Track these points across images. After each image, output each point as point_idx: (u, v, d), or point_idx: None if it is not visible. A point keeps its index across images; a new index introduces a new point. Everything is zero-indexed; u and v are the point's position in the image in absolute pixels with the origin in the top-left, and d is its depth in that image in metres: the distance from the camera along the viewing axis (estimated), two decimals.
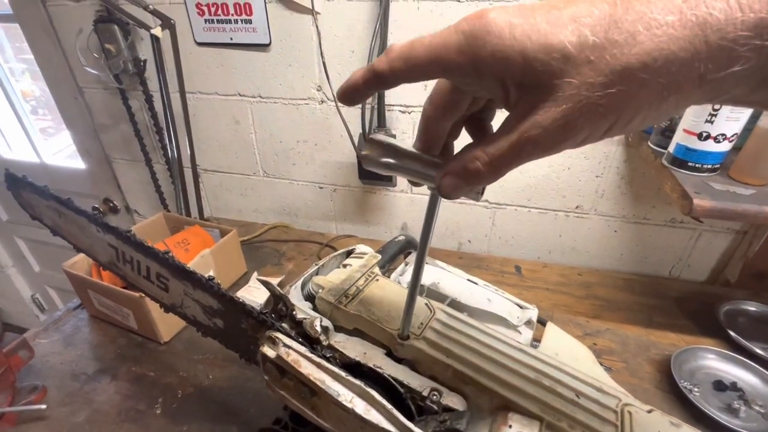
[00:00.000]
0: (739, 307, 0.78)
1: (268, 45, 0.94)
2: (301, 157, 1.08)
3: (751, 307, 0.78)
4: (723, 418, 0.57)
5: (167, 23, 0.86)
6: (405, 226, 1.09)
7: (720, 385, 0.63)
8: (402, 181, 1.02)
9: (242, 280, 0.91)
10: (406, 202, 1.05)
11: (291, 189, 1.14)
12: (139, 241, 0.51)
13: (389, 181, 0.96)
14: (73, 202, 0.59)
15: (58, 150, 1.62)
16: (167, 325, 0.73)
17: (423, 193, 1.02)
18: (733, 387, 0.62)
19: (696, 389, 0.62)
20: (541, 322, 0.43)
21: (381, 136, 0.28)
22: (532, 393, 0.32)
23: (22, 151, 1.60)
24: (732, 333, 0.70)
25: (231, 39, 0.95)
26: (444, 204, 1.01)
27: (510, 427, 0.30)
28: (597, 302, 0.86)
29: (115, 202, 1.41)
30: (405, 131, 0.95)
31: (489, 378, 0.33)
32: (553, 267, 0.98)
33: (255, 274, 0.90)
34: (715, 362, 0.66)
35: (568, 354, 0.37)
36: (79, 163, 1.39)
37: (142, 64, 1.02)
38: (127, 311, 0.72)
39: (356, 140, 0.93)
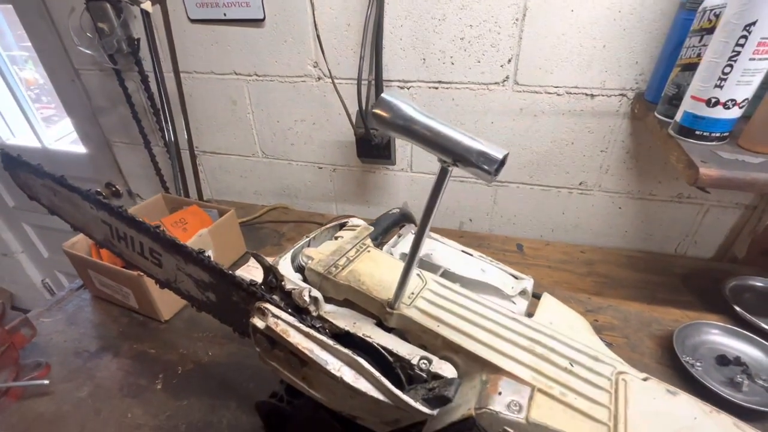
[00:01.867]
0: (746, 283, 0.77)
1: (263, 20, 0.91)
2: (299, 137, 1.06)
3: (759, 282, 0.76)
4: (725, 392, 0.56)
5: None
6: (406, 204, 1.08)
7: (723, 360, 0.62)
8: (402, 160, 1.00)
9: (242, 261, 0.91)
10: (406, 181, 1.04)
11: (290, 170, 1.13)
12: (130, 216, 0.50)
13: (389, 159, 0.95)
14: (66, 179, 0.59)
15: (60, 136, 1.62)
16: (167, 304, 0.74)
17: (424, 172, 1.01)
18: (737, 361, 0.61)
19: (698, 364, 0.61)
20: (536, 297, 0.42)
21: (396, 96, 0.26)
22: (523, 360, 0.31)
23: (25, 138, 1.60)
24: (738, 308, 0.69)
25: (225, 15, 0.93)
26: None
27: (500, 393, 0.29)
28: (599, 279, 0.84)
29: (117, 187, 1.41)
30: None
31: (480, 345, 0.32)
32: (555, 245, 0.96)
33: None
34: (718, 337, 0.65)
35: (563, 324, 0.36)
36: (80, 149, 1.39)
37: (135, 43, 1.00)
38: (127, 290, 0.73)
39: (354, 118, 0.91)
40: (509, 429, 0.28)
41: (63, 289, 0.84)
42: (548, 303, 0.38)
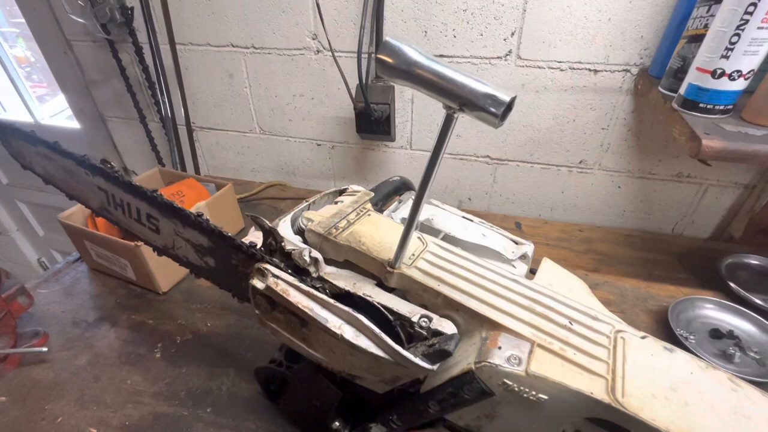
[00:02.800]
0: (741, 261, 0.77)
1: None
2: (297, 113, 1.05)
3: (754, 260, 0.77)
4: (717, 363, 0.57)
5: None
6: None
7: (716, 333, 0.63)
8: (401, 137, 0.99)
9: (240, 235, 0.91)
10: (405, 158, 1.03)
11: (288, 146, 1.12)
12: (126, 181, 0.49)
13: (388, 134, 0.94)
14: (61, 145, 0.58)
15: (54, 113, 1.59)
16: (165, 276, 0.74)
17: (423, 150, 1.00)
18: (730, 335, 0.62)
19: (692, 337, 0.62)
20: (532, 272, 0.42)
21: (400, 40, 0.25)
22: (523, 318, 0.31)
23: (17, 114, 1.57)
24: (732, 284, 0.70)
25: None
26: (444, 161, 0.98)
27: (500, 348, 0.29)
28: (597, 257, 0.85)
29: (112, 163, 1.39)
30: None
31: (480, 303, 0.32)
32: (553, 224, 0.96)
33: (252, 229, 0.90)
34: (712, 312, 0.66)
35: (562, 285, 0.36)
36: (74, 125, 1.37)
37: (129, 12, 0.97)
38: (124, 261, 0.72)
39: (354, 92, 0.89)
40: (509, 382, 0.28)
41: (59, 263, 0.84)
42: (548, 267, 0.38)
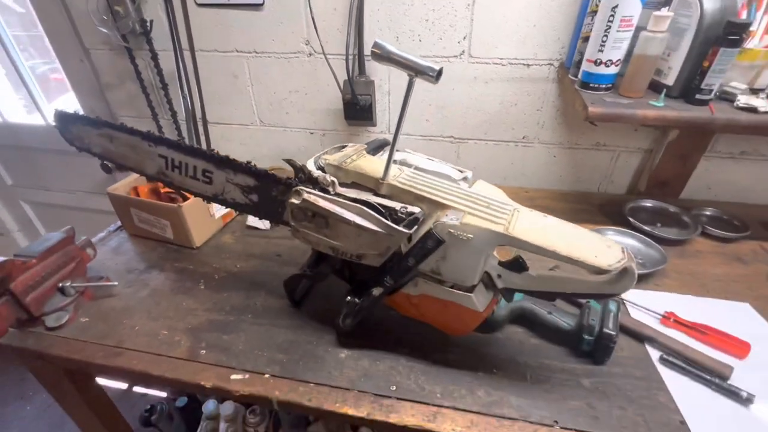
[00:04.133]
0: (640, 205, 1.03)
1: (262, 5, 1.09)
2: (293, 106, 1.25)
3: (649, 203, 1.03)
4: None
5: None
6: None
7: None
8: (381, 123, 1.21)
9: None
10: None
11: (285, 136, 1.31)
12: (189, 146, 0.69)
13: (371, 120, 1.15)
14: (126, 125, 0.76)
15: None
16: (199, 233, 0.92)
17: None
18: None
19: None
20: None
21: (385, 42, 0.47)
22: (460, 202, 0.53)
23: (26, 117, 1.70)
24: (630, 218, 0.94)
25: (228, 0, 1.10)
26: (416, 142, 1.20)
27: (447, 215, 0.50)
28: (537, 208, 1.08)
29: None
30: (382, 78, 1.13)
31: (436, 196, 0.53)
32: (506, 188, 1.18)
33: None
34: (615, 236, 0.90)
35: (488, 192, 0.58)
36: None
37: (148, 24, 1.15)
38: (165, 222, 0.91)
39: (342, 86, 1.11)
40: (452, 231, 0.49)
41: (102, 231, 1.01)
42: (481, 183, 0.61)
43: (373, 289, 0.60)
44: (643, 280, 0.81)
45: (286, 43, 1.14)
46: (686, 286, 0.80)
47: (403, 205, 0.54)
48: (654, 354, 0.65)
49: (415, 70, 0.46)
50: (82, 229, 0.86)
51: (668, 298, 0.76)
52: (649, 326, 0.68)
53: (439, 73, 0.46)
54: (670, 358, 0.63)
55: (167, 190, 0.97)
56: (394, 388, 0.60)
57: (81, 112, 0.81)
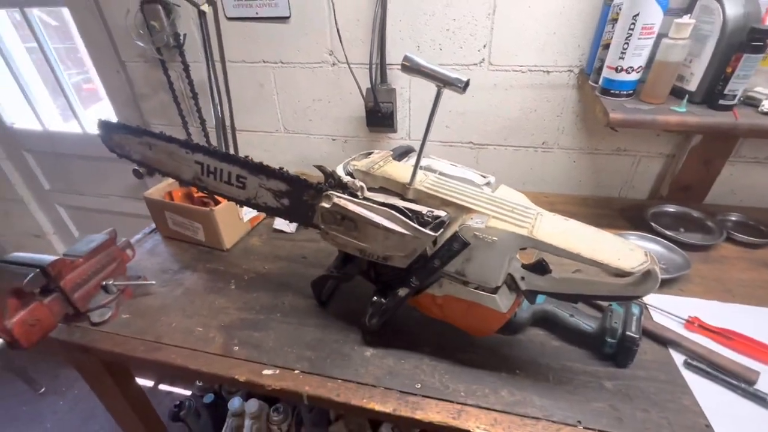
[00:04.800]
0: (662, 210, 1.02)
1: (288, 18, 1.14)
2: (316, 114, 1.29)
3: (671, 208, 1.02)
4: None
5: (211, 0, 1.06)
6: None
7: None
8: (402, 130, 1.23)
9: None
10: None
11: (308, 142, 1.36)
12: (224, 153, 0.73)
13: (392, 127, 1.18)
14: (165, 134, 0.81)
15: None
16: (229, 235, 0.96)
17: (418, 139, 1.24)
18: None
19: None
20: None
21: (414, 54, 0.50)
22: (485, 206, 0.55)
23: (65, 125, 1.80)
24: (652, 223, 0.94)
25: (256, 13, 1.15)
26: (436, 148, 1.23)
27: (472, 218, 0.53)
28: (557, 213, 1.09)
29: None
30: (403, 86, 1.16)
31: (462, 200, 0.55)
32: (526, 194, 1.20)
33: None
34: (636, 240, 0.90)
35: (512, 197, 0.60)
36: None
37: (181, 38, 1.22)
38: (197, 225, 0.95)
39: (364, 94, 1.14)
40: (477, 234, 0.51)
41: (139, 233, 1.06)
42: (504, 188, 0.62)
43: (398, 289, 0.62)
44: (666, 285, 0.81)
45: (310, 54, 1.18)
46: (711, 292, 0.80)
47: (429, 209, 0.56)
48: (678, 358, 0.66)
49: (443, 82, 0.49)
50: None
51: (692, 303, 0.76)
52: (673, 330, 0.69)
53: (467, 84, 0.48)
54: (695, 363, 0.63)
55: (200, 194, 1.02)
56: (419, 386, 0.62)
57: (119, 121, 0.86)
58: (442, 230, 0.55)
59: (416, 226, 0.55)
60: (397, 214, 0.56)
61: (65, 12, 1.41)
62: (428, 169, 0.66)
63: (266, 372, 0.65)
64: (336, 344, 0.70)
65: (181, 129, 1.42)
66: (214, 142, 1.39)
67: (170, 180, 1.01)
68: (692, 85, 0.80)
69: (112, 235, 0.83)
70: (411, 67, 0.50)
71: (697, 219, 0.99)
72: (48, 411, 1.80)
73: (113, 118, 1.51)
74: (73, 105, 1.66)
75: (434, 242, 0.57)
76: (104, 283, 0.79)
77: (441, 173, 0.64)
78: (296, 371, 0.65)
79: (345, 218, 0.60)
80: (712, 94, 0.78)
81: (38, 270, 0.67)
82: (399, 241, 0.57)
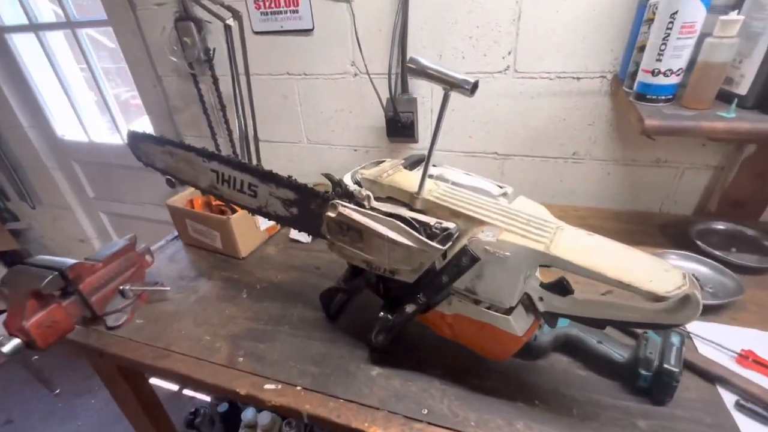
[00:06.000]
0: (710, 227, 0.92)
1: (312, 30, 1.15)
2: (338, 124, 1.29)
3: (721, 225, 0.92)
4: None
5: (237, 15, 1.09)
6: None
7: None
8: (424, 139, 1.21)
9: None
10: None
11: (330, 152, 1.36)
12: (238, 161, 0.73)
13: (412, 137, 1.16)
14: (183, 142, 0.82)
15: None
16: (245, 244, 0.97)
17: (440, 150, 1.21)
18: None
19: None
20: None
21: (420, 57, 0.47)
22: (497, 218, 0.50)
23: (106, 136, 1.92)
24: (698, 241, 0.85)
25: (281, 27, 1.18)
26: (459, 159, 1.19)
27: (483, 231, 0.48)
28: (588, 228, 1.01)
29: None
30: (425, 96, 1.14)
31: (472, 211, 0.51)
32: (554, 207, 1.13)
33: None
34: (677, 261, 0.81)
35: (530, 208, 0.55)
36: None
37: (211, 52, 1.26)
38: (215, 233, 0.96)
39: (384, 104, 1.13)
40: (488, 248, 0.47)
41: (161, 240, 1.09)
42: (522, 199, 0.58)
43: (406, 305, 0.58)
44: (714, 312, 0.72)
45: (333, 65, 1.19)
46: None
47: (437, 220, 0.53)
48: (728, 398, 0.57)
49: (449, 84, 0.46)
50: (146, 238, 0.94)
51: (746, 334, 0.67)
52: (722, 365, 0.60)
53: (475, 86, 0.45)
54: (748, 404, 0.55)
55: (218, 203, 1.04)
56: (426, 411, 0.57)
57: (151, 132, 0.89)
58: (450, 243, 0.51)
59: (423, 238, 0.51)
60: (403, 225, 0.52)
61: None
62: (440, 178, 0.62)
63: (268, 386, 0.63)
64: (341, 360, 0.67)
65: (210, 140, 1.47)
66: (240, 153, 1.43)
67: (192, 188, 1.03)
68: (742, 89, 0.72)
69: (132, 240, 0.85)
70: (416, 69, 0.47)
71: (752, 238, 0.88)
72: (81, 408, 1.87)
73: (151, 131, 1.60)
74: (116, 118, 1.77)
75: (444, 256, 0.53)
76: (121, 287, 0.81)
77: (454, 183, 0.61)
78: (298, 387, 0.63)
79: (350, 228, 0.57)
80: (765, 97, 0.69)
81: (57, 273, 0.69)
82: (405, 254, 0.54)
